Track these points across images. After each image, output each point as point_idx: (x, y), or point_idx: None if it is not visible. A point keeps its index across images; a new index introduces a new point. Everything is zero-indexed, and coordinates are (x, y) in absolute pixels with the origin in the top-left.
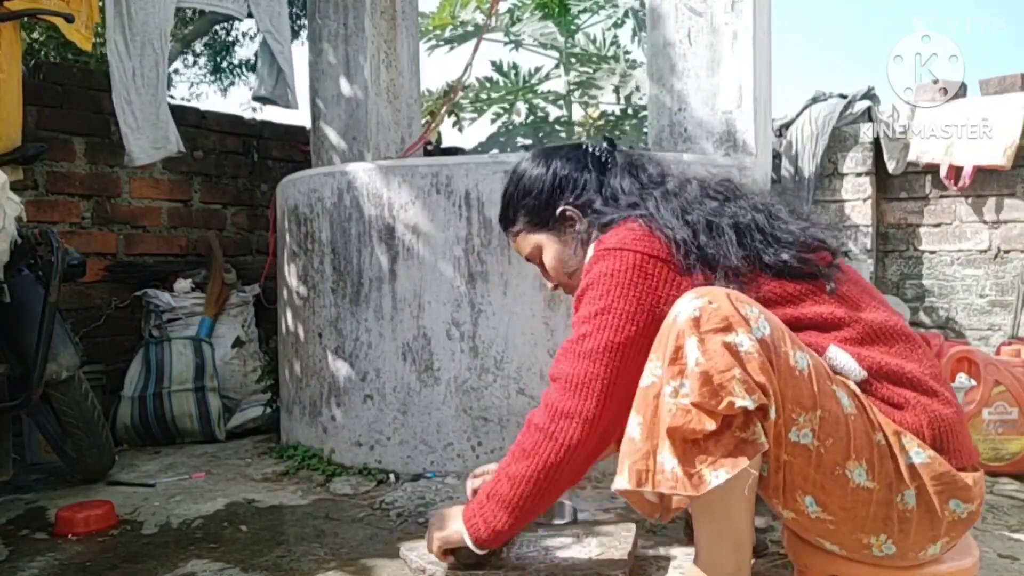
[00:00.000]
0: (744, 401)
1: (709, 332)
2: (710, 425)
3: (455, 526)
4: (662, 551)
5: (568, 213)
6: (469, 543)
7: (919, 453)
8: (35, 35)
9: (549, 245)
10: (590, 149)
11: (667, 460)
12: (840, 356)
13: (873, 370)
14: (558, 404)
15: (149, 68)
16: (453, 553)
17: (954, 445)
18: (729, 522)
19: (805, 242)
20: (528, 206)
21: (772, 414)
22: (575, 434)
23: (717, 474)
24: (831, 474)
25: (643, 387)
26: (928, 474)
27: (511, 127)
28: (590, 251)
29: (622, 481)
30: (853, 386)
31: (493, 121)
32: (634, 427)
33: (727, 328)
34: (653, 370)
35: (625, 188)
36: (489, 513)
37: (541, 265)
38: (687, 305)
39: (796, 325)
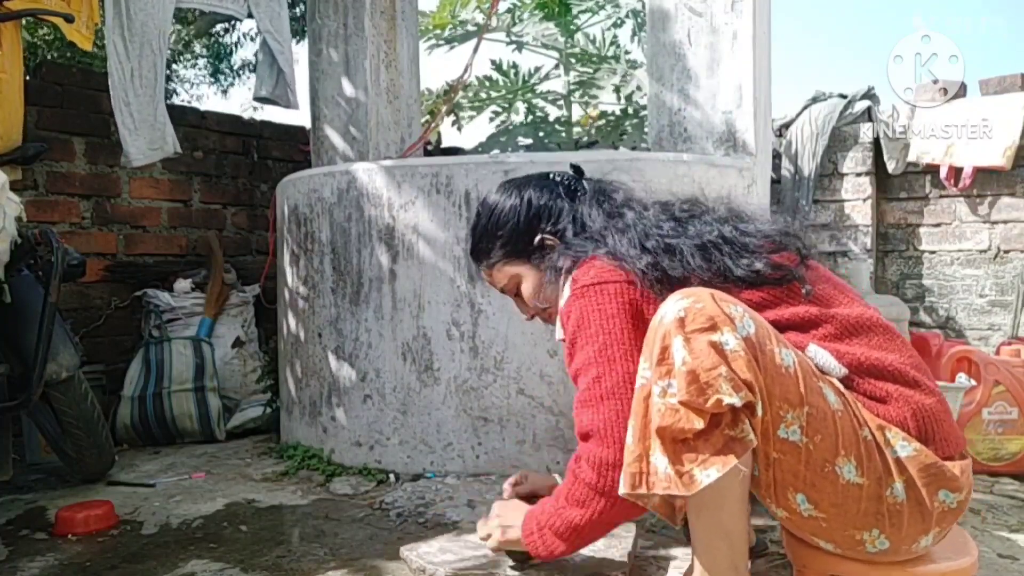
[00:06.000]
0: (731, 398)
1: (695, 331)
2: (698, 423)
3: (515, 535)
4: (662, 551)
5: (548, 242)
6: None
7: (904, 446)
8: (40, 33)
9: (528, 275)
10: (558, 178)
11: (659, 461)
12: (820, 354)
13: (853, 366)
14: (600, 456)
15: (147, 69)
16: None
17: (939, 435)
18: (722, 520)
19: (775, 241)
20: (505, 237)
21: (759, 411)
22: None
23: (707, 472)
24: (821, 471)
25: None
26: (915, 466)
27: (511, 127)
28: (565, 290)
29: (621, 487)
30: (837, 383)
31: (491, 120)
32: (628, 431)
33: (712, 327)
34: (643, 372)
35: (593, 216)
36: (549, 540)
37: (517, 296)
38: (673, 306)
39: (775, 327)
